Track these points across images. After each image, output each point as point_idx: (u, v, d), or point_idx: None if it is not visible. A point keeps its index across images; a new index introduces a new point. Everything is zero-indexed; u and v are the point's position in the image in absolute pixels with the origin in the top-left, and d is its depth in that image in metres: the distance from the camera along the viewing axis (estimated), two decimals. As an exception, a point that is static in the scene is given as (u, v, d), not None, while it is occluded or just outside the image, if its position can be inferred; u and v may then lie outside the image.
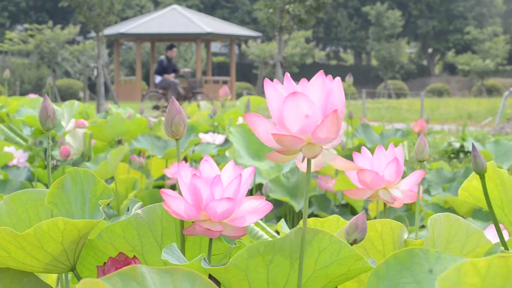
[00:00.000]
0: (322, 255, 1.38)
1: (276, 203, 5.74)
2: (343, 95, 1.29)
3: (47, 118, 1.67)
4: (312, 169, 1.35)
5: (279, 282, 1.40)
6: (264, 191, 4.27)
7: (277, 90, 1.28)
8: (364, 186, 1.75)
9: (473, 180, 1.62)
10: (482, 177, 1.52)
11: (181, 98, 21.27)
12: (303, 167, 1.36)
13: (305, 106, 1.25)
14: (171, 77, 21.52)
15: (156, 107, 19.49)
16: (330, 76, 1.30)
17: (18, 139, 6.33)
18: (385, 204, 1.82)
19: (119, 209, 5.09)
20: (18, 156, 5.70)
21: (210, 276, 1.40)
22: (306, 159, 1.32)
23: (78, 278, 1.61)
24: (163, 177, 6.09)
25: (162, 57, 22.05)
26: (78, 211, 1.66)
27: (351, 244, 1.47)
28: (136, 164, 5.73)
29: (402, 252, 1.24)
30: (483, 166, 1.51)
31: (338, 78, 1.29)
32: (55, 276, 1.95)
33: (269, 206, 1.43)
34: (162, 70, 21.48)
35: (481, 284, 0.96)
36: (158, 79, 21.84)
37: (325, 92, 1.27)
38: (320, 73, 1.28)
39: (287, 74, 1.32)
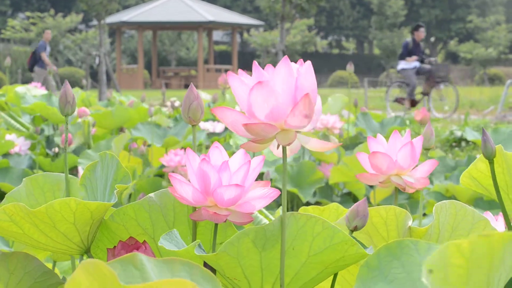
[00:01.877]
0: (316, 241, 1.37)
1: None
2: (313, 78, 1.27)
3: (67, 103, 1.68)
4: (288, 154, 1.35)
5: (273, 268, 1.40)
6: (265, 178, 4.27)
7: (242, 81, 1.27)
8: (376, 170, 1.73)
9: (479, 164, 1.61)
10: (491, 162, 1.52)
11: (430, 85, 18.07)
12: (278, 153, 1.35)
13: (271, 95, 1.24)
14: (413, 60, 18.25)
15: (399, 100, 17.53)
16: (301, 61, 1.29)
17: (19, 126, 6.33)
18: (397, 189, 1.81)
19: (120, 198, 5.10)
20: (20, 143, 5.70)
21: (205, 264, 1.40)
22: (281, 146, 1.32)
23: (92, 260, 1.61)
24: (163, 165, 6.10)
25: (408, 39, 19.24)
26: (101, 194, 1.68)
27: (352, 231, 1.47)
28: (137, 152, 5.73)
29: (393, 243, 1.24)
30: (493, 151, 1.51)
31: (308, 62, 1.27)
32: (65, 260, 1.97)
33: (276, 193, 1.43)
34: (407, 54, 18.48)
35: (466, 265, 0.96)
36: (401, 65, 18.62)
37: (293, 77, 1.26)
38: (285, 59, 1.26)
39: (255, 63, 1.31)
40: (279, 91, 1.24)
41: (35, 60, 18.74)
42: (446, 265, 0.96)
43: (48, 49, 18.93)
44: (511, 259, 1.01)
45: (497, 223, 1.79)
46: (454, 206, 1.57)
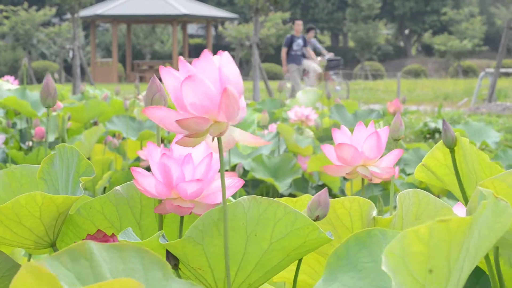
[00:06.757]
0: (278, 226, 1.36)
1: (254, 184, 5.75)
2: (235, 68, 1.26)
3: (48, 95, 1.68)
4: (225, 148, 1.34)
5: (236, 256, 1.38)
6: (237, 170, 4.28)
7: (174, 76, 1.26)
8: (343, 162, 1.73)
9: (435, 152, 1.61)
10: (452, 151, 1.53)
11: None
12: (214, 147, 1.35)
13: (199, 87, 1.23)
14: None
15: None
16: (220, 52, 1.28)
17: (-8, 121, 6.29)
18: (363, 182, 1.81)
19: (94, 190, 5.08)
20: (-4, 138, 5.65)
21: (168, 253, 1.39)
22: (215, 138, 1.31)
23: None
24: (139, 158, 6.09)
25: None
26: (63, 187, 1.66)
27: (314, 221, 1.47)
28: (112, 145, 5.71)
29: (361, 233, 1.25)
30: (453, 139, 1.51)
31: (226, 53, 1.26)
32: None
33: (240, 183, 1.42)
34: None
35: (426, 251, 0.96)
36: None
37: (215, 68, 1.25)
38: (205, 51, 1.24)
39: (181, 58, 1.28)
40: (206, 83, 1.23)
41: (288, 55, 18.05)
42: (406, 254, 0.96)
43: (300, 42, 18.10)
44: (473, 244, 1.01)
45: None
46: (417, 195, 1.57)
